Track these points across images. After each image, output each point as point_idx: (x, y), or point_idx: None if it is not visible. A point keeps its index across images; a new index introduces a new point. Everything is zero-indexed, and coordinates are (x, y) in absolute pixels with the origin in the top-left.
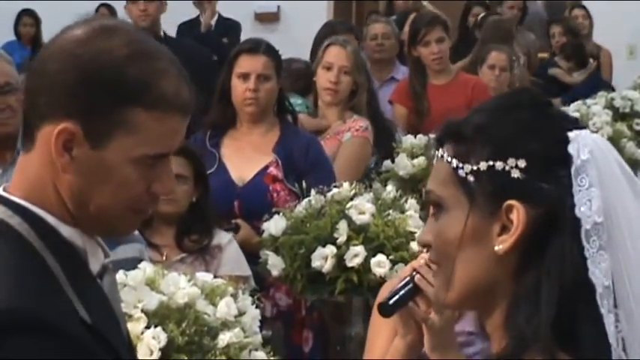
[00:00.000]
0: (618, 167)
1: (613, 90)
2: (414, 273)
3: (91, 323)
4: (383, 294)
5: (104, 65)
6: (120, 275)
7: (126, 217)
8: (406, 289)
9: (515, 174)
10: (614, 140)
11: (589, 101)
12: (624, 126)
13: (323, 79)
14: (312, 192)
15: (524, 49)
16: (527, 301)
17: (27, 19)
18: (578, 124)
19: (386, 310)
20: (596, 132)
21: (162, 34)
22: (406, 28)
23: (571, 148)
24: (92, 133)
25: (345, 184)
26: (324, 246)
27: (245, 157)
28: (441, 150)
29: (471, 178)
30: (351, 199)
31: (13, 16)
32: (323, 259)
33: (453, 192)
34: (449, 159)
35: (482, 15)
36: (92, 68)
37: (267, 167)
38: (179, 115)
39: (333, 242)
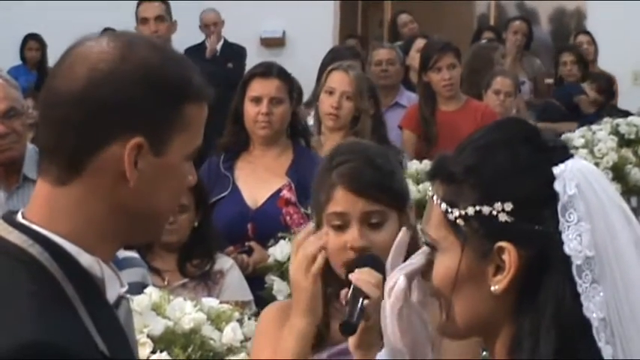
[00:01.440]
0: (606, 196)
1: (625, 114)
2: (353, 286)
3: (109, 356)
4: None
5: (155, 73)
6: None
7: (169, 217)
8: (359, 303)
9: (503, 218)
10: (619, 166)
11: (594, 127)
12: (629, 152)
13: (325, 104)
14: None
15: (529, 74)
16: (529, 339)
17: (33, 43)
18: (565, 152)
19: (351, 328)
20: (602, 158)
21: None
22: (412, 54)
23: (557, 185)
24: (156, 141)
25: None
26: None
27: (258, 180)
28: (432, 188)
29: (460, 222)
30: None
31: (19, 40)
32: None
33: (445, 234)
34: (439, 201)
35: (485, 40)
36: (149, 78)
37: (280, 190)
38: (207, 103)
39: None
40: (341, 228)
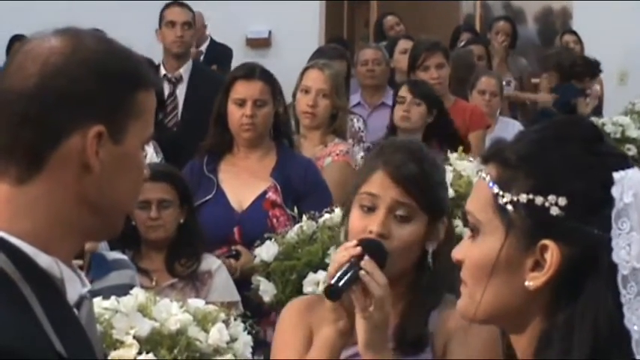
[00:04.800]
0: None
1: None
2: (354, 260)
3: (67, 357)
4: (328, 278)
5: (107, 62)
6: (112, 301)
7: (130, 210)
8: (350, 273)
9: (555, 212)
10: None
11: None
12: None
13: (301, 103)
14: (304, 217)
15: (515, 73)
16: (560, 341)
17: (18, 44)
18: (627, 162)
19: (335, 292)
20: None
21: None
22: (396, 55)
23: (614, 191)
24: (114, 129)
25: (337, 210)
26: (315, 271)
27: (243, 182)
28: (484, 169)
29: (510, 208)
30: (343, 224)
31: (5, 41)
32: (315, 284)
33: (491, 217)
34: (491, 183)
35: (463, 42)
36: (102, 67)
37: (265, 192)
38: (155, 90)
39: (325, 268)
40: (368, 211)
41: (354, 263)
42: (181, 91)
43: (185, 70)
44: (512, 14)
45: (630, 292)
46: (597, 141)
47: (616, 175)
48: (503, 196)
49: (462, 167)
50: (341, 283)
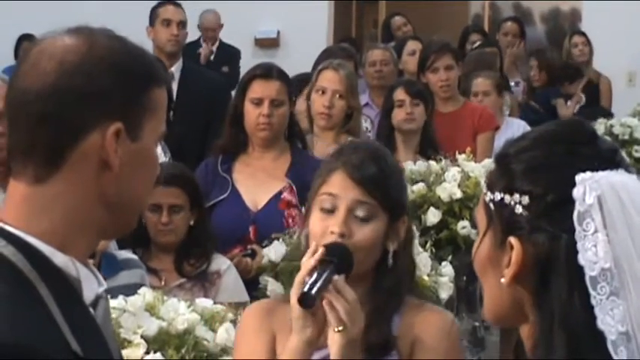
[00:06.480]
0: (637, 213)
1: (612, 116)
2: (322, 266)
3: (83, 356)
4: (295, 289)
5: (122, 59)
6: (119, 301)
7: (144, 206)
8: (322, 280)
9: (519, 210)
10: None
11: None
12: (624, 153)
13: (317, 103)
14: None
15: (524, 74)
16: (544, 341)
17: (27, 44)
18: (606, 162)
19: (308, 300)
20: None
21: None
22: (404, 57)
23: (575, 192)
24: (131, 127)
25: None
26: None
27: (258, 182)
28: None
29: (491, 206)
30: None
31: (14, 40)
32: None
33: (482, 216)
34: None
35: (478, 43)
36: (118, 65)
37: (280, 192)
38: (166, 88)
39: None
40: (328, 213)
41: (324, 268)
42: (174, 89)
43: (176, 69)
44: (521, 15)
45: (602, 293)
46: (585, 143)
47: (578, 177)
48: (486, 194)
49: (470, 168)
50: (314, 291)
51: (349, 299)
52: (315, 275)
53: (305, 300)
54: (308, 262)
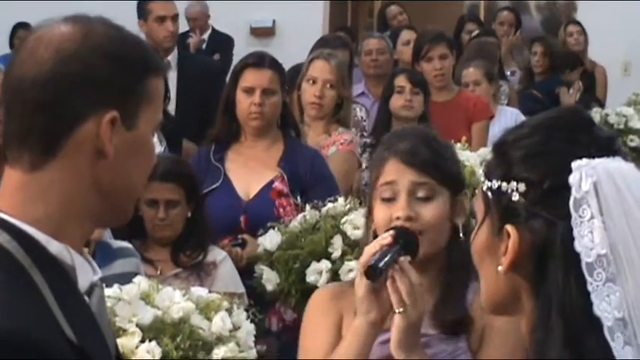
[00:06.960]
0: (633, 199)
1: (602, 106)
2: (392, 237)
3: (77, 343)
4: (364, 259)
5: (119, 48)
6: (115, 289)
7: (139, 195)
8: (389, 255)
9: (515, 197)
10: None
11: None
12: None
13: (308, 93)
14: (307, 207)
15: (520, 63)
16: (540, 328)
17: (22, 32)
18: (603, 150)
19: (375, 272)
20: None
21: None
22: (398, 47)
23: (571, 179)
24: (127, 115)
25: (340, 199)
26: (318, 261)
27: (250, 171)
28: None
29: (489, 195)
30: (346, 214)
31: (8, 29)
32: (317, 273)
33: (480, 205)
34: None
35: (476, 32)
36: (115, 53)
37: (272, 182)
38: (163, 77)
39: (328, 257)
40: (390, 201)
41: (390, 248)
42: (172, 77)
43: (172, 58)
44: (516, 4)
45: (598, 279)
46: (584, 130)
47: (574, 164)
48: (484, 183)
49: (465, 157)
50: (381, 264)
51: (413, 280)
52: (382, 251)
53: (372, 272)
54: (377, 240)
